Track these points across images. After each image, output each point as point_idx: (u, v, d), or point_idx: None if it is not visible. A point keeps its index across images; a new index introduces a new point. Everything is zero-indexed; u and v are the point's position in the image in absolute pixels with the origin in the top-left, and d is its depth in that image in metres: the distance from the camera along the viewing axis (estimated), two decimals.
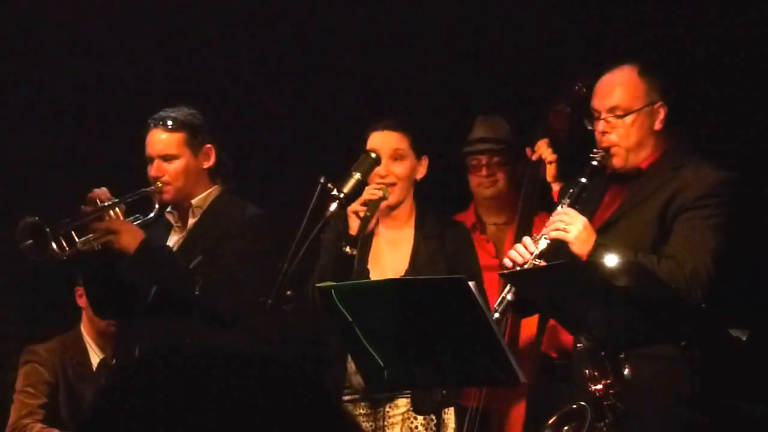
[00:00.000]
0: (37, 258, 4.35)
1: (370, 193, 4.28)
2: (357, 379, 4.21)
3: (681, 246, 3.90)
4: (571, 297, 3.52)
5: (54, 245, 4.31)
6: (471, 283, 3.58)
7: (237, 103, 5.74)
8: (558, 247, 3.93)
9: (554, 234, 3.92)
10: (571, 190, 4.02)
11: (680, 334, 3.53)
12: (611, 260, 3.49)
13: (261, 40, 5.83)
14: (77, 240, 4.37)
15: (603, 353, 3.50)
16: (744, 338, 3.36)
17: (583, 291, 3.48)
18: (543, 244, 3.92)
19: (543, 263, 3.87)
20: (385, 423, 4.30)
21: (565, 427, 3.69)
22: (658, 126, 4.06)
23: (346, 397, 4.33)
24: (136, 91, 5.68)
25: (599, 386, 3.49)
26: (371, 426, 4.32)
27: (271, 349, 4.29)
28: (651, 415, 3.80)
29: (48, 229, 4.29)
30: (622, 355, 3.49)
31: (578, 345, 3.54)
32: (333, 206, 4.18)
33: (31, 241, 4.33)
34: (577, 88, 4.72)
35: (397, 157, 4.39)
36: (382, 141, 4.42)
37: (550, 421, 3.72)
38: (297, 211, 4.20)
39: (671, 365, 3.75)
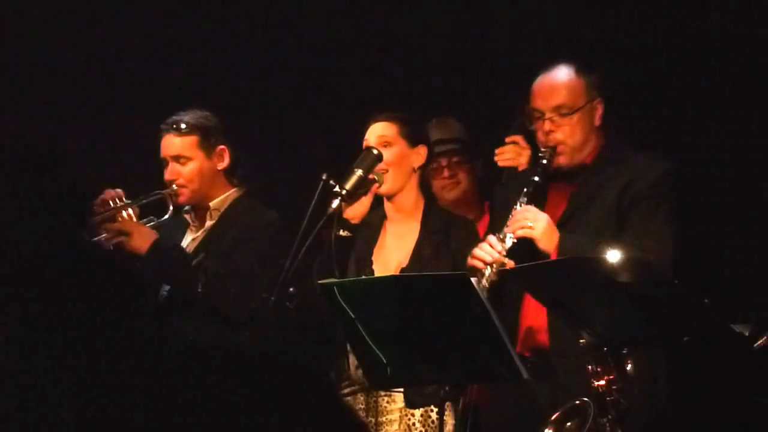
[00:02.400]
0: None
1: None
2: (357, 373, 4.22)
3: (644, 233, 4.00)
4: (574, 293, 3.52)
5: None
6: (473, 279, 3.58)
7: (237, 101, 5.74)
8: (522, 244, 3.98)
9: (521, 232, 3.98)
10: (525, 189, 4.06)
11: (682, 330, 3.53)
12: (614, 256, 3.49)
13: (264, 38, 5.84)
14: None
15: (605, 349, 3.50)
16: (747, 333, 3.37)
17: (586, 287, 3.48)
18: (509, 242, 3.98)
19: (512, 263, 3.90)
20: (384, 419, 4.30)
21: (568, 423, 3.68)
22: (597, 122, 4.18)
23: (345, 390, 4.35)
24: (151, 92, 5.68)
25: (602, 382, 3.50)
26: (371, 421, 4.32)
27: (275, 346, 4.30)
28: (650, 410, 3.81)
29: None
30: (624, 351, 3.50)
31: (581, 341, 3.54)
32: (335, 203, 4.20)
33: None
34: None
35: (384, 144, 4.41)
36: (371, 133, 4.46)
37: (553, 417, 3.72)
38: (299, 208, 4.22)
39: (671, 361, 3.76)
